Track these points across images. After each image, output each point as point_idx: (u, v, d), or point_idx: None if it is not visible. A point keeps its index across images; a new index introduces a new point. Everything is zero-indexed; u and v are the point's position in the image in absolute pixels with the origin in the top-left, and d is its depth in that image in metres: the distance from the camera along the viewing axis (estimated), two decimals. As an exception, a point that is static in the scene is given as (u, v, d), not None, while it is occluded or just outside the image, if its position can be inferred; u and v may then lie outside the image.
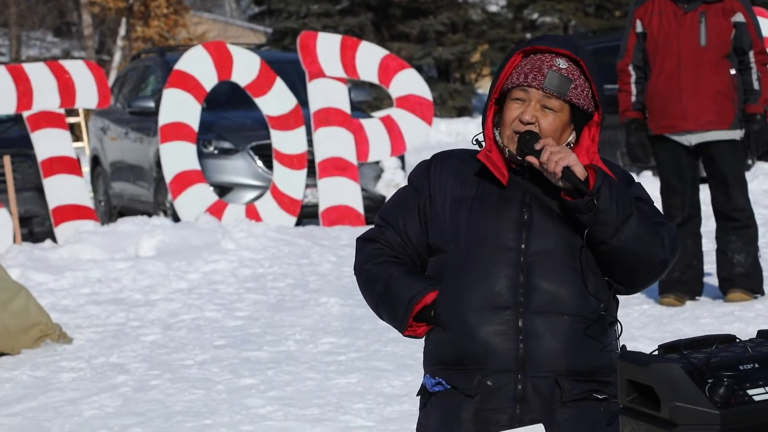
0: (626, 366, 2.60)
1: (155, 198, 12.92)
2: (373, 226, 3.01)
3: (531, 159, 2.80)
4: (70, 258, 10.36)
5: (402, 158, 13.47)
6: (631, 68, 7.49)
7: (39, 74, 11.58)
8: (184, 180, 11.90)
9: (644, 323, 7.16)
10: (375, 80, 12.67)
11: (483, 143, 2.92)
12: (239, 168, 12.40)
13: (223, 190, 12.30)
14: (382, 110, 13.63)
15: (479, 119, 27.06)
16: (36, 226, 12.02)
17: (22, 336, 7.25)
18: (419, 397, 2.91)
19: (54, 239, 11.43)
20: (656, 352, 2.56)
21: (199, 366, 6.76)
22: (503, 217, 2.82)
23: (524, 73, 2.83)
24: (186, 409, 5.94)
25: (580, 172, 2.77)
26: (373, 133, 12.46)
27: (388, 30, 30.11)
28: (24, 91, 11.48)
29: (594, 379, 2.83)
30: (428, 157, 3.01)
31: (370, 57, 12.52)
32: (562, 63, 2.83)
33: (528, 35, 30.27)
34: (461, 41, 29.69)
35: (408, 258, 2.90)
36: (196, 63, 12.08)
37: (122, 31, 30.52)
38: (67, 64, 11.95)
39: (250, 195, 12.27)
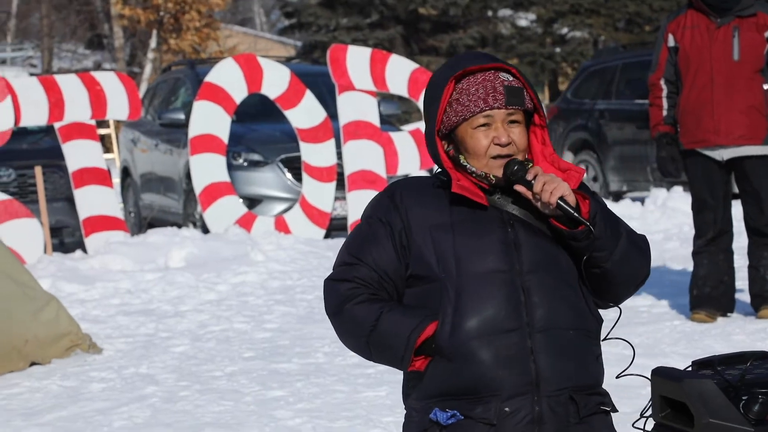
0: (660, 382, 2.59)
1: (185, 209, 12.96)
2: (339, 267, 2.85)
3: (520, 188, 2.77)
4: (100, 269, 10.40)
5: (431, 171, 13.47)
6: (662, 83, 7.46)
7: (71, 86, 11.65)
8: (214, 192, 11.94)
9: (675, 339, 7.12)
10: (405, 93, 12.68)
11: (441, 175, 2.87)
12: (268, 180, 12.43)
13: (253, 202, 12.33)
14: (412, 123, 13.63)
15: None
16: (66, 237, 12.08)
17: (52, 346, 7.28)
18: None
19: (84, 250, 11.49)
20: (690, 368, 2.54)
21: (228, 377, 6.76)
22: (489, 238, 2.77)
23: (481, 98, 2.76)
24: (215, 421, 5.95)
25: (572, 200, 2.76)
26: (402, 146, 12.47)
27: (418, 44, 30.13)
28: (56, 102, 11.55)
29: (598, 392, 2.84)
30: (385, 191, 2.88)
31: (399, 70, 12.54)
32: (507, 75, 2.81)
33: (557, 50, 30.23)
34: (490, 55, 29.68)
35: (386, 294, 2.80)
36: (227, 75, 12.12)
37: (153, 43, 30.67)
38: (99, 75, 12.01)
39: (280, 207, 12.29)
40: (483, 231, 2.77)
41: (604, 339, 2.96)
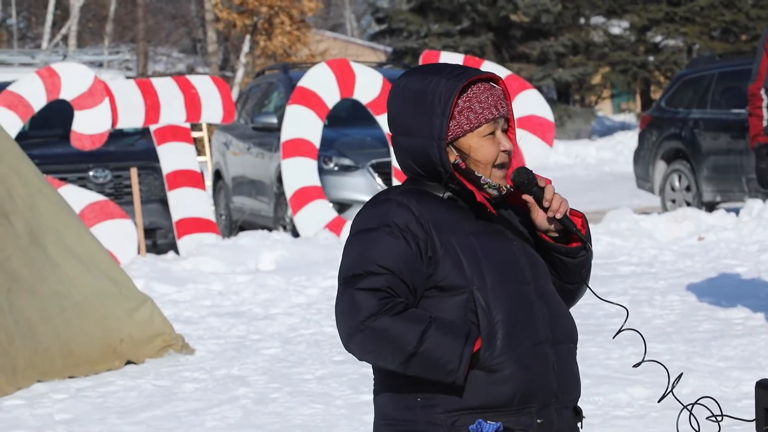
0: (765, 394, 2.55)
1: (275, 213, 13.06)
2: (362, 277, 2.68)
3: (528, 198, 2.76)
4: (192, 270, 10.52)
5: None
6: (763, 92, 7.34)
7: (167, 89, 11.81)
8: (305, 196, 12.01)
9: (771, 353, 7.00)
10: (497, 100, 12.64)
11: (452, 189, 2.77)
12: (359, 185, 12.48)
13: (343, 206, 12.38)
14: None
15: (598, 142, 26.84)
16: (160, 238, 12.23)
17: (146, 345, 7.38)
18: None
19: (177, 251, 11.62)
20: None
21: (318, 381, 6.80)
22: (505, 251, 2.76)
23: (492, 106, 2.75)
24: (305, 423, 5.98)
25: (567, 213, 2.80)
26: (493, 154, 12.43)
27: (509, 50, 30.03)
28: (152, 105, 11.71)
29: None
30: (390, 200, 2.74)
31: (492, 77, 12.50)
32: (494, 84, 2.81)
33: (651, 58, 29.92)
34: (582, 63, 29.48)
35: (412, 305, 2.70)
36: (320, 80, 12.19)
37: (246, 47, 30.98)
38: (194, 79, 12.16)
39: (370, 212, 12.33)
40: (497, 243, 2.75)
41: (616, 334, 3.02)
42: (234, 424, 6.04)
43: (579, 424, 2.83)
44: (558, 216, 2.76)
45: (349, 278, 2.70)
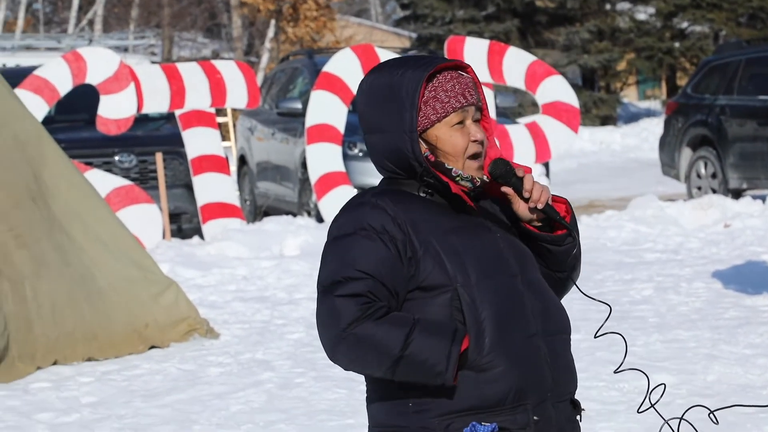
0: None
1: (300, 198, 13.07)
2: (342, 283, 2.59)
3: (508, 189, 2.68)
4: (217, 255, 10.55)
5: (546, 165, 13.36)
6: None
7: (192, 74, 11.82)
8: (329, 181, 12.01)
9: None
10: (522, 86, 12.60)
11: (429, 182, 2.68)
12: (383, 171, 12.46)
13: (367, 192, 12.38)
14: (528, 116, 13.56)
15: (623, 128, 26.74)
16: (184, 223, 12.27)
17: (171, 329, 7.41)
18: None
19: (201, 236, 11.65)
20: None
21: (342, 366, 6.80)
22: (487, 244, 2.67)
23: (459, 94, 2.67)
24: (330, 408, 5.99)
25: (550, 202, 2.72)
26: (518, 140, 12.40)
27: (534, 37, 29.92)
28: (177, 90, 11.72)
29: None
30: (363, 203, 2.65)
31: (517, 63, 12.46)
32: (464, 73, 2.72)
33: (676, 44, 29.76)
34: (607, 49, 29.34)
35: (394, 309, 2.61)
36: (344, 65, 12.18)
37: (271, 33, 30.99)
38: (219, 64, 12.17)
39: (394, 198, 12.32)
40: (479, 237, 2.67)
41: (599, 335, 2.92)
42: (258, 408, 6.05)
43: (578, 417, 2.74)
44: (540, 206, 2.68)
45: (327, 286, 2.61)
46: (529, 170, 2.72)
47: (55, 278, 7.06)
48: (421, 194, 2.68)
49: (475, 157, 2.67)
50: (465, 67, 2.73)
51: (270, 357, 7.12)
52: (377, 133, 2.69)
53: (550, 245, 2.72)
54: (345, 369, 2.66)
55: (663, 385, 2.86)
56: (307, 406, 6.03)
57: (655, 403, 2.79)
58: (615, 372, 2.94)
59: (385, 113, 2.67)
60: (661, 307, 8.12)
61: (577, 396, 2.76)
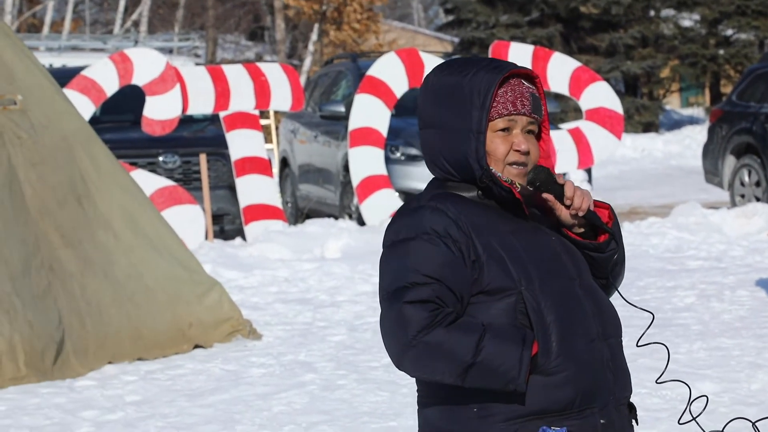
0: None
1: (341, 201, 13.10)
2: (407, 289, 2.57)
3: (549, 196, 2.67)
4: (259, 256, 10.60)
5: (589, 171, 13.33)
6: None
7: (237, 76, 11.89)
8: (371, 185, 12.04)
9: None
10: (565, 92, 12.58)
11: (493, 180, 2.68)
12: (425, 175, 12.44)
13: (409, 196, 12.40)
14: (571, 122, 13.53)
15: (666, 135, 26.61)
16: (227, 224, 12.33)
17: (214, 330, 7.45)
18: None
19: (244, 237, 11.70)
20: None
21: (384, 368, 6.82)
22: (546, 248, 2.67)
23: (509, 101, 2.66)
24: (372, 410, 6.01)
25: (592, 208, 2.70)
26: (560, 145, 12.37)
27: (577, 42, 29.83)
28: (222, 91, 11.80)
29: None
30: (423, 207, 2.64)
31: (561, 68, 12.44)
32: (529, 84, 2.70)
33: (721, 51, 29.58)
34: (651, 56, 29.20)
35: (461, 314, 2.60)
36: (388, 69, 12.21)
37: (314, 36, 31.08)
38: (264, 66, 12.23)
39: (436, 202, 12.33)
40: (538, 240, 2.67)
41: (643, 344, 2.92)
42: (301, 409, 6.08)
43: (634, 421, 2.73)
44: (581, 213, 2.67)
45: (392, 293, 2.59)
46: (567, 178, 2.72)
47: (100, 277, 7.13)
48: (478, 195, 2.67)
49: (515, 165, 2.67)
50: (533, 77, 2.72)
51: (312, 359, 7.15)
52: (438, 129, 2.68)
53: (593, 252, 2.72)
54: (412, 376, 2.64)
55: (705, 397, 2.85)
56: (350, 408, 6.06)
57: (697, 416, 2.77)
58: (657, 382, 2.92)
59: (451, 111, 2.67)
60: (705, 315, 8.08)
61: (623, 403, 2.76)
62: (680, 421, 2.82)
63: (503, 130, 2.66)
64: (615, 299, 2.82)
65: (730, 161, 14.34)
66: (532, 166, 2.68)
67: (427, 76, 2.74)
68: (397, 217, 2.68)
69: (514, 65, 2.72)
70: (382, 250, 2.68)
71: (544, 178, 2.67)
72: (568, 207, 2.68)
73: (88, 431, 5.82)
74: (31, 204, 7.02)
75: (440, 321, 2.56)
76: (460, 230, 2.61)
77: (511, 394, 2.59)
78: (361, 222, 12.15)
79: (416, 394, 2.71)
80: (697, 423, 2.77)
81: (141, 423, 5.92)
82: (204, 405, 6.20)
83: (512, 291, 2.60)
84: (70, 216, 7.16)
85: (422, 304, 2.56)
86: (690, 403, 2.79)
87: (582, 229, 2.71)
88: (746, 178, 14.11)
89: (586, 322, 2.65)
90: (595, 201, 2.72)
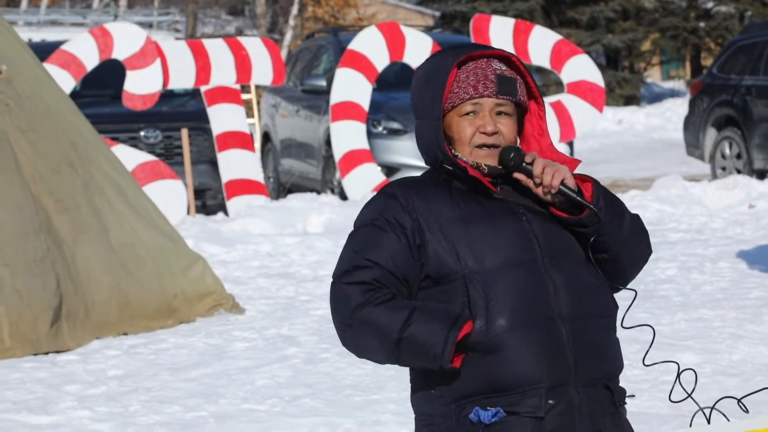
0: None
1: (323, 176, 13.09)
2: (350, 271, 2.67)
3: (520, 176, 2.68)
4: (241, 231, 10.59)
5: (571, 144, 13.34)
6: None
7: (217, 50, 11.85)
8: (353, 159, 12.03)
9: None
10: (547, 65, 12.58)
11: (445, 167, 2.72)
12: (407, 149, 12.48)
13: (391, 170, 12.39)
14: (553, 95, 13.53)
15: (647, 108, 26.63)
16: (209, 199, 12.31)
17: (197, 303, 7.46)
18: None
19: (226, 212, 11.69)
20: None
21: (367, 342, 6.84)
22: (506, 229, 2.68)
23: (470, 85, 2.68)
24: (355, 383, 6.03)
25: (572, 183, 2.68)
26: (542, 119, 12.38)
27: (558, 15, 29.81)
28: (202, 66, 11.76)
29: (620, 384, 2.75)
30: (382, 193, 2.73)
31: (542, 41, 12.44)
32: (500, 65, 2.70)
33: (701, 24, 29.61)
34: (632, 29, 29.21)
35: (404, 297, 2.67)
36: (370, 43, 12.18)
37: (294, 10, 30.97)
38: (245, 41, 12.19)
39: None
40: (498, 222, 2.68)
41: (631, 327, 2.85)
42: (284, 382, 6.10)
43: (623, 403, 2.70)
44: (553, 190, 2.66)
45: (339, 275, 2.70)
46: (535, 155, 2.68)
47: (94, 244, 7.12)
48: (441, 180, 2.70)
49: (483, 146, 2.68)
50: (509, 58, 2.71)
51: (295, 333, 7.16)
52: (416, 120, 2.75)
53: (577, 228, 2.71)
54: (357, 356, 2.75)
55: (693, 371, 2.85)
56: (333, 381, 6.07)
57: (692, 392, 2.77)
58: (644, 365, 2.90)
59: (420, 101, 2.73)
60: (686, 286, 8.12)
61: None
62: (671, 398, 2.81)
63: (470, 113, 2.69)
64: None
65: (711, 134, 14.37)
66: (503, 147, 2.68)
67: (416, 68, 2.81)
68: (365, 204, 2.78)
69: (473, 47, 2.72)
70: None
71: (513, 158, 2.66)
72: (538, 185, 2.68)
73: (71, 405, 5.82)
74: (25, 170, 6.99)
75: (373, 299, 2.64)
76: (408, 214, 2.68)
77: (454, 375, 2.63)
78: (343, 196, 12.15)
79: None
80: (693, 400, 2.75)
81: (124, 397, 5.93)
82: (187, 379, 6.21)
83: (457, 275, 2.65)
84: (66, 181, 7.14)
85: (359, 285, 2.65)
86: (678, 377, 2.79)
87: (568, 205, 2.69)
88: (727, 151, 14.15)
89: (543, 301, 2.64)
90: (578, 175, 2.70)
